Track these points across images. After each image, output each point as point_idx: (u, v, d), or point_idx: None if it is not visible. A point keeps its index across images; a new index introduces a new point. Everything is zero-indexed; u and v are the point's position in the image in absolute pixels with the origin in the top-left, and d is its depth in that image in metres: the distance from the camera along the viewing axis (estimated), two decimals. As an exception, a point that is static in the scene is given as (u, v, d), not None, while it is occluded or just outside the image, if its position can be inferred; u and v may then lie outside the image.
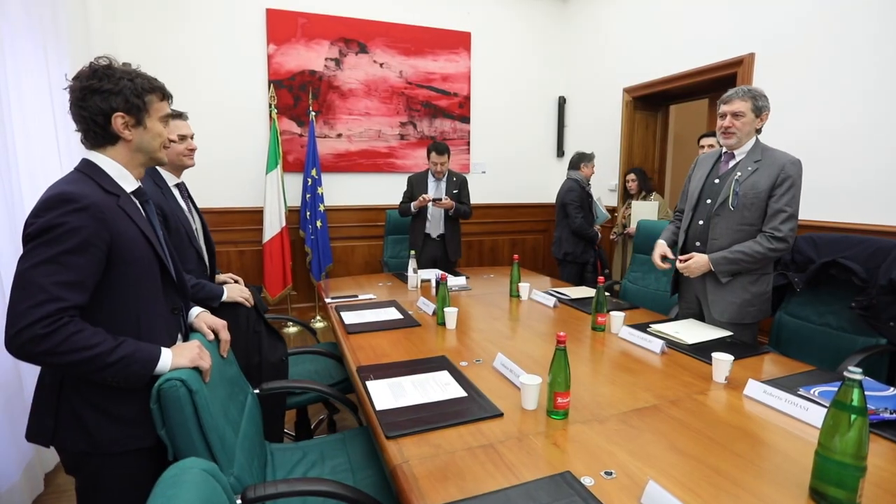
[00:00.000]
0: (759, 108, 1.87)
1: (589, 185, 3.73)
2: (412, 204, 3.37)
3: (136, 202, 1.19)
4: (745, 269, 1.91)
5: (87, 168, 1.12)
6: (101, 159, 1.13)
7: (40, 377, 1.12)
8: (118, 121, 1.11)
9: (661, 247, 2.14)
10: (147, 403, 1.05)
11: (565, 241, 3.72)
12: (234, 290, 1.79)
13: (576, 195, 3.63)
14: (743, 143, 1.92)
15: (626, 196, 4.15)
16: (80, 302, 0.99)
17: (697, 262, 1.95)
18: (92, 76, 1.10)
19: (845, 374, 0.83)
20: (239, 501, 0.99)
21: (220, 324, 1.38)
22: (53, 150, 2.31)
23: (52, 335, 0.94)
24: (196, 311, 1.37)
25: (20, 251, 1.00)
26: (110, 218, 1.04)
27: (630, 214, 3.85)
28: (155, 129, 1.18)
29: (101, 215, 1.02)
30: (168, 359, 1.08)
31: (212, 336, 1.34)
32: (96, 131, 1.11)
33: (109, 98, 1.09)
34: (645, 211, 3.70)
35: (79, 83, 1.10)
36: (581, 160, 3.73)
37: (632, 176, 4.01)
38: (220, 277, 1.93)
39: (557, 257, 3.83)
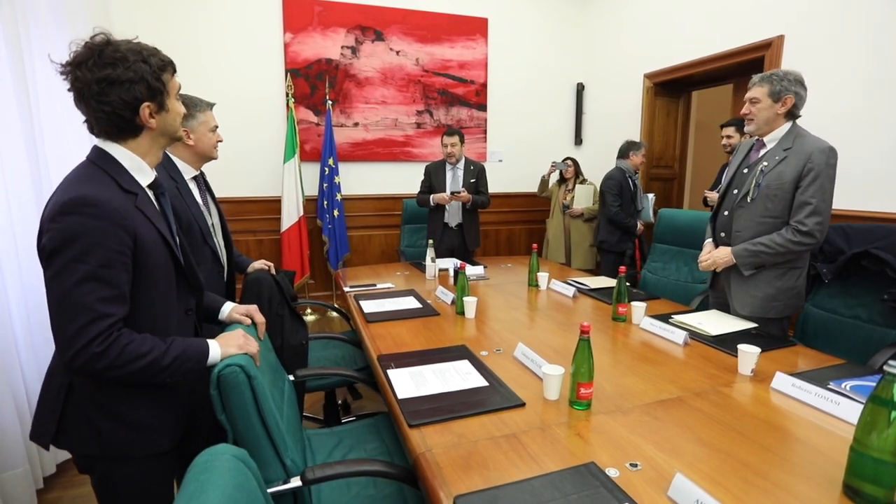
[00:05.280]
0: (777, 92, 1.77)
1: (635, 175, 3.70)
2: (431, 197, 3.36)
3: (151, 195, 1.13)
4: (767, 262, 1.85)
5: (101, 161, 1.03)
6: (118, 150, 1.04)
7: (47, 378, 1.08)
8: (146, 111, 1.02)
9: (707, 247, 2.06)
10: (164, 408, 1.08)
11: (602, 228, 3.77)
12: (257, 263, 2.01)
13: (614, 183, 3.63)
14: (764, 130, 1.85)
15: (561, 180, 4.30)
16: (125, 314, 0.98)
17: (720, 254, 1.92)
18: (102, 63, 0.96)
19: (885, 368, 0.81)
20: (298, 482, 1.03)
21: (253, 308, 1.41)
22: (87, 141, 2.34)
23: (108, 351, 0.93)
24: (227, 308, 1.39)
25: None
26: (130, 225, 0.98)
27: (573, 196, 4.07)
28: (175, 109, 1.11)
29: (123, 222, 0.97)
30: (217, 350, 1.07)
31: (248, 321, 1.37)
32: (120, 125, 1.02)
33: (132, 88, 0.99)
34: (586, 193, 4.06)
35: (90, 74, 0.96)
36: (630, 148, 3.71)
37: (569, 161, 4.17)
38: (255, 264, 2.00)
39: (596, 245, 3.93)
